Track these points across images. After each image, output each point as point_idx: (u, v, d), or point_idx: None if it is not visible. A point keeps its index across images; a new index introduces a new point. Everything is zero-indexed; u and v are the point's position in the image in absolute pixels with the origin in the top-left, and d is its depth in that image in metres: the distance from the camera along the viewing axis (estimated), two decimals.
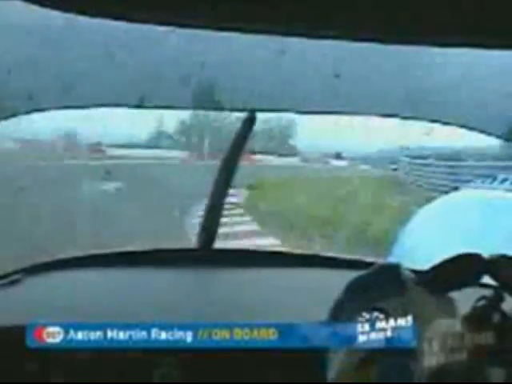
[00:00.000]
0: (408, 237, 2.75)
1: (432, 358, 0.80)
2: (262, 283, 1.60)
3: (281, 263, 1.69)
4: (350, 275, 1.66)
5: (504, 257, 0.91)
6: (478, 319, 0.84)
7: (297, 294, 1.49)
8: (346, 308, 0.86)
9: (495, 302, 0.86)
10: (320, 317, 1.25)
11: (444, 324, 0.81)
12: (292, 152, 9.25)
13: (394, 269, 0.86)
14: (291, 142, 9.04)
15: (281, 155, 9.13)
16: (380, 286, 0.84)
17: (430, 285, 0.83)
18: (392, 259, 2.14)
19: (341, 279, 1.65)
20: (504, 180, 2.66)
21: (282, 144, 9.05)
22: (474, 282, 0.85)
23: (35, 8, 0.65)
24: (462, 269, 0.86)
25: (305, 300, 1.43)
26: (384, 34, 0.85)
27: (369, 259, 1.78)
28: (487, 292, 0.87)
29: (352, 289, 0.88)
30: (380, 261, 1.82)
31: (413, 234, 2.75)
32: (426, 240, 2.55)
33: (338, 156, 8.91)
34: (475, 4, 0.71)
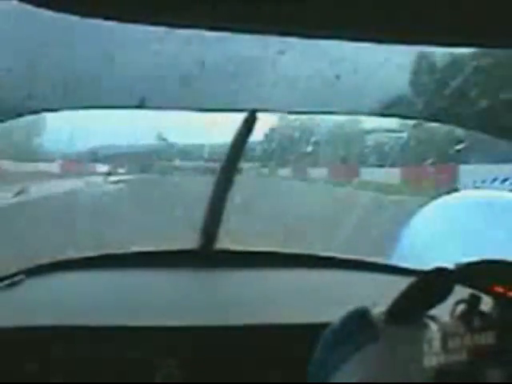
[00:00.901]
0: (408, 237, 2.75)
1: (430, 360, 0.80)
2: (262, 284, 1.60)
3: (281, 264, 1.69)
4: (351, 275, 1.67)
5: (471, 263, 0.92)
6: (460, 323, 0.84)
7: (297, 294, 1.49)
8: (325, 364, 0.85)
9: (474, 304, 0.87)
10: (320, 318, 1.25)
11: (430, 333, 0.81)
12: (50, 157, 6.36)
13: (363, 315, 0.85)
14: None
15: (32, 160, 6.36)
16: (353, 336, 0.83)
17: (401, 316, 0.83)
18: (393, 259, 2.14)
19: (341, 280, 1.66)
20: (504, 180, 2.65)
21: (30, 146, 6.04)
22: (446, 296, 0.85)
23: (33, 8, 0.65)
24: (431, 288, 0.86)
25: (306, 301, 1.43)
26: (384, 34, 0.85)
27: (369, 259, 1.78)
28: (463, 294, 0.88)
29: (327, 344, 0.88)
30: (380, 261, 1.82)
31: (413, 234, 2.74)
32: (427, 240, 2.55)
33: (96, 159, 6.37)
34: (475, 4, 0.71)
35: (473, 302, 0.87)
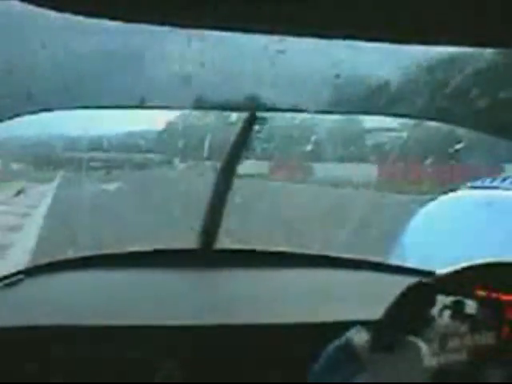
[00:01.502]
0: (409, 237, 2.75)
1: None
2: (262, 283, 1.60)
3: (282, 263, 1.68)
4: (351, 275, 1.67)
5: (450, 272, 0.93)
6: (449, 329, 0.85)
7: (297, 294, 1.49)
8: None
9: (459, 310, 0.87)
10: (320, 317, 1.25)
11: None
12: None
13: (347, 346, 0.85)
14: None
15: None
16: (339, 369, 0.83)
17: (386, 340, 0.83)
18: (393, 259, 2.14)
19: (342, 279, 1.66)
20: (504, 179, 2.65)
21: None
22: (429, 310, 0.85)
23: (34, 8, 0.65)
24: (412, 306, 0.86)
25: (306, 300, 1.43)
26: (384, 34, 0.85)
27: (370, 259, 1.78)
28: (446, 301, 0.88)
29: (317, 374, 0.87)
30: (381, 260, 1.82)
31: (414, 234, 2.74)
32: (427, 239, 2.55)
33: None
34: (475, 3, 0.71)
35: (457, 307, 0.88)
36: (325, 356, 0.87)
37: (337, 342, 0.86)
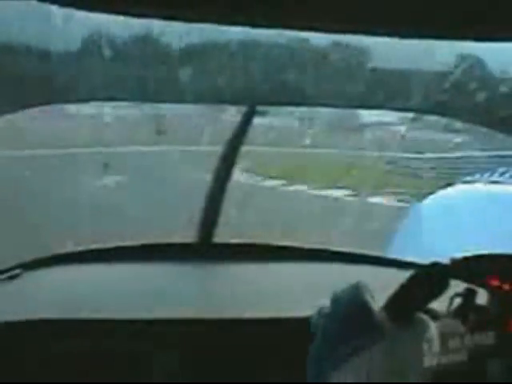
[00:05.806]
0: (407, 230, 2.75)
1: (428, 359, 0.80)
2: (262, 278, 1.59)
3: (281, 257, 1.68)
4: (350, 269, 1.67)
5: (466, 257, 0.93)
6: (459, 321, 0.85)
7: (297, 288, 1.49)
8: (324, 361, 0.82)
9: (470, 298, 0.88)
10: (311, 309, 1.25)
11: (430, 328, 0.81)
12: None
13: (368, 314, 0.82)
14: None
15: None
16: (357, 337, 0.80)
17: (400, 313, 0.82)
18: (390, 253, 2.14)
19: (340, 273, 1.66)
20: (503, 173, 2.65)
21: None
22: (442, 291, 0.84)
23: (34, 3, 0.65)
24: (427, 284, 0.85)
25: (306, 294, 1.43)
26: (384, 28, 0.85)
27: (369, 253, 1.78)
28: (459, 289, 0.89)
29: (327, 341, 0.84)
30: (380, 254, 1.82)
31: (412, 228, 2.75)
32: (425, 233, 2.56)
33: None
34: None
35: (468, 295, 0.88)
36: (339, 317, 0.83)
37: (348, 295, 0.83)
